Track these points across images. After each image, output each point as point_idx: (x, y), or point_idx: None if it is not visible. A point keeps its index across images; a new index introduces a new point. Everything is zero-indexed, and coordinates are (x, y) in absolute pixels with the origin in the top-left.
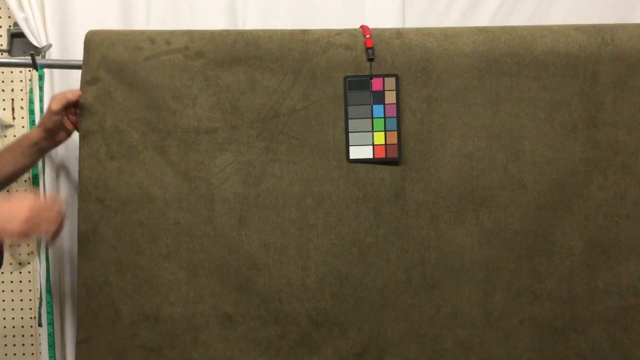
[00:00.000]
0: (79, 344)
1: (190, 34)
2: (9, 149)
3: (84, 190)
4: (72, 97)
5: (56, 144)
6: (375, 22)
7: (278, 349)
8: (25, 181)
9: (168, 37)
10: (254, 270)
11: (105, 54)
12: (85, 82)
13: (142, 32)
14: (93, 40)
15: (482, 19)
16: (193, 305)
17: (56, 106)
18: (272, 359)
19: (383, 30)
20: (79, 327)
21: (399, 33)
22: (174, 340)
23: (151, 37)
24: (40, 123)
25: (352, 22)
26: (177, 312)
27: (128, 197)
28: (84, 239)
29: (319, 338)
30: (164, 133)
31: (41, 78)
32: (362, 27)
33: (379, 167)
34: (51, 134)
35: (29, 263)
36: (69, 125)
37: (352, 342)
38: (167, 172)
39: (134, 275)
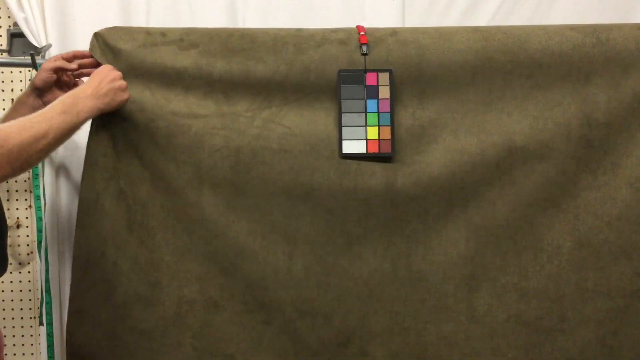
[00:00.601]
0: (70, 314)
1: (185, 29)
2: (14, 108)
3: (91, 158)
4: (62, 56)
5: (44, 104)
6: (375, 22)
7: (262, 335)
8: (25, 181)
9: (164, 30)
10: (240, 256)
11: (105, 41)
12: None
13: (138, 27)
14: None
15: (482, 19)
16: (178, 289)
17: (47, 65)
18: (255, 344)
19: (378, 28)
20: (72, 297)
21: (394, 31)
22: (162, 324)
23: (147, 30)
24: (32, 82)
25: (352, 22)
26: (164, 295)
27: (122, 172)
28: (85, 208)
29: (303, 326)
30: (152, 114)
31: None
32: (357, 27)
33: (370, 159)
34: (39, 92)
35: (28, 263)
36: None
37: (336, 331)
38: (155, 153)
39: (125, 255)
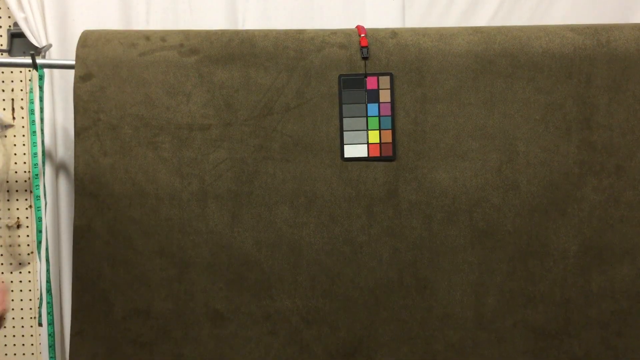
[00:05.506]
0: (72, 336)
1: (185, 33)
2: None
3: (80, 186)
4: None
5: None
6: (375, 22)
7: (268, 346)
8: (26, 181)
9: (163, 35)
10: (245, 267)
11: (101, 50)
12: (79, 79)
13: (137, 31)
14: (88, 38)
15: (482, 19)
16: (184, 302)
17: None
18: (262, 356)
19: (378, 30)
20: (73, 319)
21: (394, 33)
22: (164, 336)
23: (147, 35)
24: None
25: (352, 23)
26: (168, 308)
27: (121, 193)
28: (79, 234)
29: (310, 336)
30: (157, 129)
31: (41, 78)
32: (357, 27)
33: (372, 166)
34: None
35: (29, 263)
36: None
37: (343, 341)
38: (160, 168)
39: (126, 271)
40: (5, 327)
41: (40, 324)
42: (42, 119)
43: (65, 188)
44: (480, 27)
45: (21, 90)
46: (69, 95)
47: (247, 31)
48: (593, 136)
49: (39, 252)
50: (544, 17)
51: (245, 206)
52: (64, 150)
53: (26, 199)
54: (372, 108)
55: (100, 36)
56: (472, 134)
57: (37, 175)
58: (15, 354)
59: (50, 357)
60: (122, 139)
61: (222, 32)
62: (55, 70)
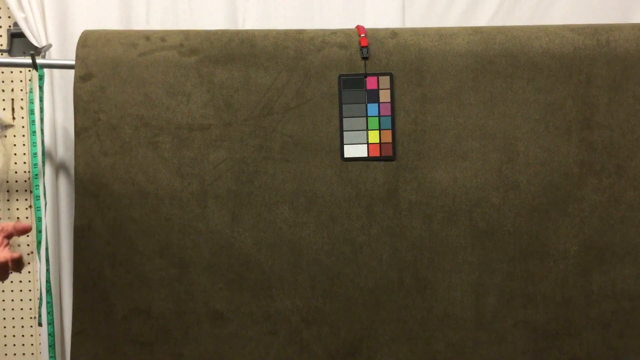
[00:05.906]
0: (73, 335)
1: (185, 33)
2: None
3: (80, 186)
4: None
5: None
6: (375, 22)
7: (268, 346)
8: (26, 181)
9: (163, 35)
10: (245, 267)
11: (101, 50)
12: (79, 78)
13: (137, 31)
14: (88, 38)
15: (482, 19)
16: (184, 302)
17: None
18: (262, 356)
19: (378, 30)
20: (74, 319)
21: (394, 33)
22: (164, 335)
23: (146, 35)
24: None
25: (352, 23)
26: (169, 308)
27: (121, 193)
28: (80, 234)
29: (310, 336)
30: (157, 129)
31: (41, 78)
32: (357, 27)
33: (372, 166)
34: None
35: (29, 263)
36: None
37: (343, 341)
38: (160, 168)
39: (126, 271)
40: (5, 327)
41: (40, 324)
42: (42, 119)
43: (65, 188)
44: (480, 27)
45: (21, 90)
46: (69, 95)
47: (247, 31)
48: (593, 136)
49: (39, 252)
50: (544, 17)
51: (245, 206)
52: (64, 150)
53: (26, 199)
54: (372, 108)
55: (100, 36)
56: (472, 134)
57: (37, 175)
58: (15, 354)
59: (50, 357)
60: (122, 139)
61: (222, 32)
62: (55, 70)
